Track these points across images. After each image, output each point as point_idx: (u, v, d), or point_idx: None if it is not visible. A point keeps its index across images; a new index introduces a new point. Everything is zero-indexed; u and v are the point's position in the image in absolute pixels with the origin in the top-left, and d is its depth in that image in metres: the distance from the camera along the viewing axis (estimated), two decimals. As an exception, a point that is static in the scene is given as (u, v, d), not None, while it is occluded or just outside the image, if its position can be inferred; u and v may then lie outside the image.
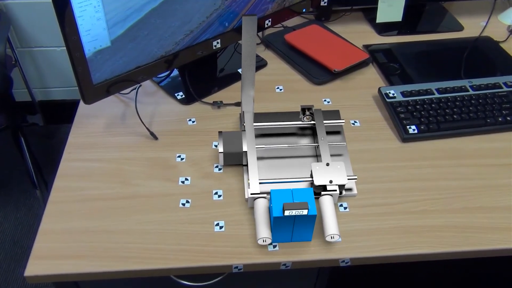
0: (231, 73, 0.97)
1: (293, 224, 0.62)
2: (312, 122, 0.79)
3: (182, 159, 0.77)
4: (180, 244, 0.65)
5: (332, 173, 0.69)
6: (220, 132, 0.74)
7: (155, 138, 0.80)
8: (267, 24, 0.96)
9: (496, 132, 0.85)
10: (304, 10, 1.02)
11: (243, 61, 0.72)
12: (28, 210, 1.53)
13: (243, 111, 0.79)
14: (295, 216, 0.60)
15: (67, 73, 1.71)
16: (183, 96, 0.89)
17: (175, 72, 0.95)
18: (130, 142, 0.79)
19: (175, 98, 0.89)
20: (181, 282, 0.73)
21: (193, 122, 0.84)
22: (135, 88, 0.87)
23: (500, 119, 0.85)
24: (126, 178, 0.74)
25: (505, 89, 0.91)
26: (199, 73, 0.95)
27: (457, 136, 0.83)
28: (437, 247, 0.67)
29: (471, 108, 0.86)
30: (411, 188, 0.74)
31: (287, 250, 0.65)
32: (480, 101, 0.88)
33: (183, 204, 0.70)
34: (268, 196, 0.68)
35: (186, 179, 0.74)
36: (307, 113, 0.79)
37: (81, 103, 0.86)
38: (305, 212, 0.59)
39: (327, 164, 0.70)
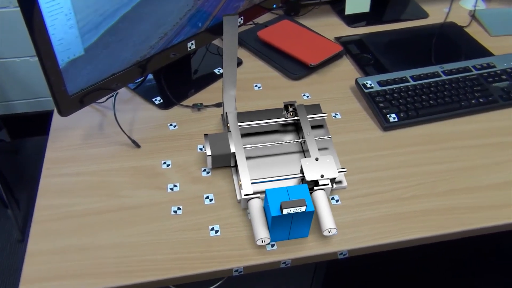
0: (206, 74, 0.95)
1: (291, 222, 0.62)
2: (296, 118, 0.79)
3: (168, 165, 0.75)
4: (177, 253, 0.64)
5: (322, 167, 0.69)
6: (206, 135, 0.73)
7: (138, 146, 0.78)
8: (240, 22, 0.95)
9: (471, 114, 0.87)
10: (274, 6, 1.02)
11: (224, 61, 0.71)
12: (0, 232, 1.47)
13: (226, 112, 0.78)
14: (293, 214, 0.60)
15: (29, 84, 1.64)
16: (161, 100, 0.87)
17: (149, 76, 0.93)
18: (112, 153, 0.77)
19: (153, 103, 0.87)
20: None
21: (175, 126, 0.82)
22: (111, 96, 0.84)
23: (473, 101, 0.88)
24: (112, 190, 0.71)
25: (474, 72, 0.94)
26: (174, 76, 0.93)
27: (435, 121, 0.86)
28: (429, 230, 0.68)
29: (445, 92, 0.89)
30: (397, 175, 0.76)
31: (285, 248, 0.65)
32: (453, 85, 0.90)
33: (175, 212, 0.69)
34: (262, 196, 0.68)
35: (175, 186, 0.72)
36: (290, 109, 0.79)
37: (55, 116, 0.83)
38: (303, 209, 0.59)
39: (316, 159, 0.70)
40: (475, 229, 0.69)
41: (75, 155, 0.76)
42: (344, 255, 0.66)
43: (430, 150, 0.80)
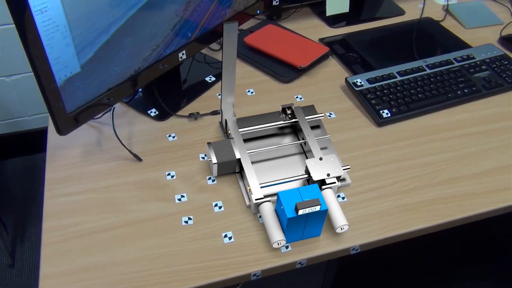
0: (197, 83, 0.95)
1: (305, 222, 0.63)
2: (294, 120, 0.80)
3: (172, 176, 0.75)
4: (193, 262, 0.64)
5: (327, 166, 0.71)
6: (209, 143, 0.74)
7: (139, 159, 0.78)
8: (227, 29, 0.96)
9: (458, 104, 0.91)
10: (258, 12, 1.03)
11: (224, 68, 0.71)
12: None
13: (226, 119, 0.79)
14: (307, 214, 0.61)
15: (3, 105, 1.59)
16: (157, 112, 0.87)
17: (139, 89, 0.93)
18: (114, 168, 0.76)
19: (148, 115, 0.86)
20: None
21: (174, 137, 0.82)
22: (106, 112, 0.83)
23: (459, 92, 0.92)
24: (118, 206, 0.71)
25: (456, 64, 0.98)
26: (166, 88, 0.93)
27: (425, 113, 0.89)
28: (434, 219, 0.71)
29: (431, 86, 0.92)
30: (397, 168, 0.78)
31: (299, 248, 0.66)
32: (438, 78, 0.94)
33: (186, 222, 0.69)
34: (272, 199, 0.69)
35: (182, 196, 0.72)
36: (288, 112, 0.81)
37: (50, 135, 0.81)
38: (317, 208, 0.60)
39: (320, 159, 0.72)
40: (478, 214, 0.72)
41: (77, 173, 0.75)
42: (356, 250, 0.68)
43: (424, 142, 0.83)
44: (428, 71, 0.95)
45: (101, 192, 0.72)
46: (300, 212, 0.60)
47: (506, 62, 0.99)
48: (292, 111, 0.80)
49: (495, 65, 0.98)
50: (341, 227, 0.65)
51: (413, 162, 0.79)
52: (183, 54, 0.88)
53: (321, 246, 0.67)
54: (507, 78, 0.95)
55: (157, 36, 0.80)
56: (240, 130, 0.77)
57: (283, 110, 0.81)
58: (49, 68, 0.65)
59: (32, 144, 1.71)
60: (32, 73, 1.51)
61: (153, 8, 0.76)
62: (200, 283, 0.62)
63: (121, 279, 0.61)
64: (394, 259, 1.42)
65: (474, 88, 0.92)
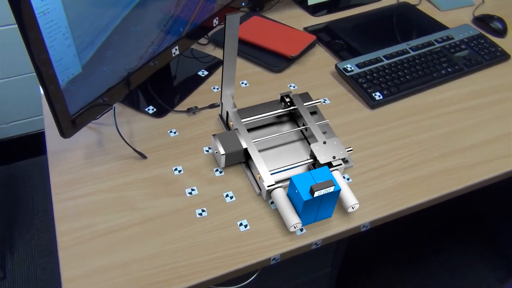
0: (189, 77, 0.96)
1: (319, 204, 0.65)
2: (293, 107, 0.82)
3: (179, 171, 0.76)
4: (213, 253, 0.65)
5: (331, 149, 0.73)
6: (214, 136, 0.75)
7: (144, 157, 0.78)
8: (215, 23, 0.97)
9: (443, 83, 0.96)
10: (243, 4, 1.04)
11: (225, 60, 0.72)
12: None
13: (227, 111, 0.80)
14: (322, 195, 0.63)
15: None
16: (154, 109, 0.87)
17: (134, 87, 0.92)
18: (119, 167, 0.76)
19: (146, 113, 0.86)
20: None
21: (175, 133, 0.83)
22: (105, 112, 0.82)
23: (443, 72, 0.96)
24: (130, 204, 0.71)
25: (437, 45, 1.02)
26: (159, 84, 0.93)
27: (414, 93, 0.93)
28: (434, 192, 0.75)
29: (417, 67, 0.96)
30: (394, 147, 0.82)
31: (313, 230, 0.68)
32: (422, 59, 0.98)
33: (200, 214, 0.70)
34: (283, 185, 0.70)
35: (193, 190, 0.73)
36: (287, 100, 0.83)
37: (49, 140, 0.80)
38: (332, 189, 0.63)
39: (324, 143, 0.74)
40: (474, 184, 0.76)
41: (82, 176, 0.75)
42: (366, 227, 0.71)
43: (416, 121, 0.87)
44: (412, 53, 0.99)
45: (111, 192, 0.72)
46: (316, 194, 0.62)
47: (482, 41, 1.04)
48: (291, 98, 0.82)
49: (473, 44, 1.03)
50: (352, 206, 0.68)
51: (408, 141, 0.83)
52: (176, 49, 0.88)
53: (334, 226, 0.69)
54: (485, 56, 1.01)
55: (152, 33, 0.80)
56: (242, 120, 0.79)
57: (282, 99, 0.83)
58: (52, 70, 0.64)
59: (11, 153, 1.66)
60: (7, 79, 1.47)
61: (147, 5, 0.76)
62: (222, 272, 0.63)
63: (145, 275, 0.62)
64: (395, 235, 1.48)
65: (456, 67, 0.97)
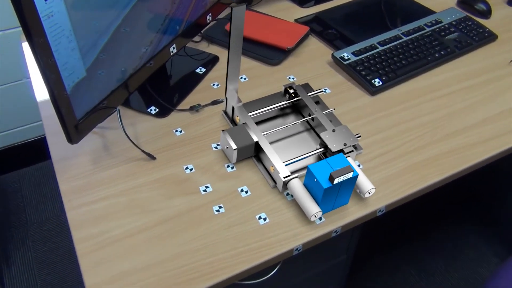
0: (187, 75, 0.95)
1: (338, 191, 0.66)
2: (297, 98, 0.82)
3: (191, 169, 0.75)
4: (236, 248, 0.65)
5: (341, 137, 0.74)
6: (223, 131, 0.74)
7: (153, 158, 0.77)
8: (209, 20, 0.96)
9: (438, 66, 0.97)
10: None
11: (230, 54, 0.72)
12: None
13: (233, 106, 0.80)
14: (341, 182, 0.64)
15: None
16: (157, 109, 0.86)
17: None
18: (129, 170, 0.75)
19: (149, 113, 0.85)
20: (244, 283, 0.73)
21: (181, 132, 0.82)
22: (109, 115, 0.81)
23: (436, 55, 0.98)
24: (145, 206, 0.70)
25: (428, 29, 1.04)
26: (159, 84, 0.92)
27: (411, 78, 0.94)
28: (444, 172, 0.76)
29: (411, 52, 0.98)
30: (399, 131, 0.83)
31: (331, 218, 0.69)
32: (415, 44, 1.00)
33: (218, 211, 0.69)
34: (298, 175, 0.71)
35: (207, 187, 0.72)
36: (291, 91, 0.83)
37: (52, 148, 0.78)
38: (350, 175, 0.63)
39: (333, 131, 0.75)
40: (480, 162, 0.78)
41: (92, 181, 0.73)
42: (382, 211, 0.72)
43: (417, 104, 0.89)
44: (405, 38, 1.01)
45: (123, 196, 0.71)
46: (336, 180, 0.62)
47: (470, 23, 1.07)
48: (295, 90, 0.82)
49: (461, 27, 1.05)
50: (369, 191, 0.69)
51: (412, 124, 0.85)
52: (173, 48, 0.87)
53: (351, 213, 0.70)
54: (474, 37, 1.03)
55: (151, 32, 0.79)
56: (249, 114, 0.78)
57: (286, 90, 0.83)
58: (58, 75, 0.62)
59: (-4, 166, 1.61)
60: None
61: (145, 3, 0.75)
62: (248, 266, 0.63)
63: (170, 276, 0.61)
64: (394, 217, 1.51)
65: (448, 50, 0.99)
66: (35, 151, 1.63)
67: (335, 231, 0.69)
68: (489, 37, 1.04)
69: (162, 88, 0.91)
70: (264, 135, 0.76)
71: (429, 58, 0.97)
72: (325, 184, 0.63)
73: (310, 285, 0.92)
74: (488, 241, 1.47)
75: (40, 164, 1.65)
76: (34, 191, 1.55)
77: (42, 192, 1.55)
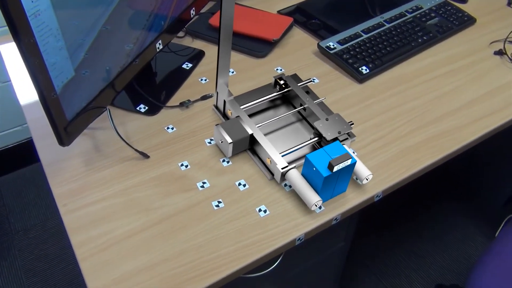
0: (173, 71, 0.93)
1: (336, 179, 0.66)
2: (288, 89, 0.82)
3: (186, 166, 0.74)
4: (239, 242, 0.65)
5: (335, 125, 0.74)
6: (217, 125, 0.74)
7: (147, 156, 0.75)
8: (192, 14, 0.95)
9: (421, 51, 0.99)
10: (216, -8, 1.03)
11: (220, 47, 0.71)
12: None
13: (224, 100, 0.79)
14: (339, 170, 0.64)
15: None
16: (146, 107, 0.84)
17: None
18: (123, 170, 0.73)
19: (138, 112, 0.84)
20: (248, 276, 0.73)
21: (172, 129, 0.81)
22: (98, 115, 0.79)
23: (419, 40, 0.99)
24: (144, 205, 0.69)
25: (409, 16, 1.05)
26: (145, 82, 0.90)
27: (397, 64, 0.95)
28: (436, 155, 0.78)
29: (395, 38, 0.99)
30: (389, 117, 0.84)
31: (331, 206, 0.69)
32: (398, 30, 1.01)
33: (217, 206, 0.69)
34: (295, 165, 0.71)
35: (204, 182, 0.72)
36: (281, 82, 0.83)
37: (40, 152, 0.76)
38: (349, 162, 0.64)
39: (327, 119, 0.75)
40: (470, 142, 0.80)
41: (86, 183, 0.71)
42: (379, 196, 0.73)
43: (404, 89, 0.90)
44: (388, 25, 1.02)
45: (120, 196, 0.70)
46: (335, 168, 0.63)
47: (449, 7, 1.09)
48: (285, 80, 0.82)
49: (441, 11, 1.07)
50: (367, 177, 0.69)
51: (401, 109, 0.86)
52: (159, 44, 0.86)
53: (350, 200, 0.70)
54: (454, 22, 1.05)
55: (136, 28, 0.77)
56: (241, 107, 0.78)
57: (276, 81, 0.83)
58: (48, 76, 0.61)
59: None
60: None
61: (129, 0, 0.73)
62: (252, 259, 0.63)
63: (174, 274, 0.61)
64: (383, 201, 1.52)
65: (431, 35, 1.01)
66: (15, 158, 1.58)
67: (335, 219, 0.69)
68: (468, 20, 1.06)
69: (149, 86, 0.90)
70: (258, 127, 0.75)
71: (412, 44, 0.98)
72: (325, 173, 0.63)
73: (311, 274, 0.92)
74: (475, 222, 1.51)
75: (22, 170, 1.60)
76: (16, 198, 1.51)
77: (24, 199, 1.51)
